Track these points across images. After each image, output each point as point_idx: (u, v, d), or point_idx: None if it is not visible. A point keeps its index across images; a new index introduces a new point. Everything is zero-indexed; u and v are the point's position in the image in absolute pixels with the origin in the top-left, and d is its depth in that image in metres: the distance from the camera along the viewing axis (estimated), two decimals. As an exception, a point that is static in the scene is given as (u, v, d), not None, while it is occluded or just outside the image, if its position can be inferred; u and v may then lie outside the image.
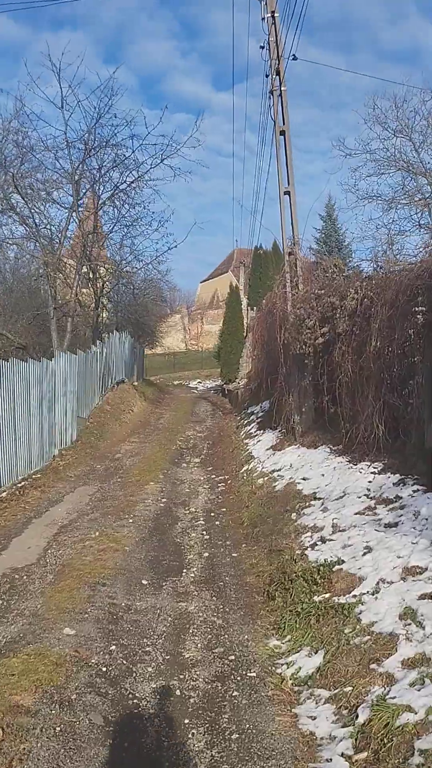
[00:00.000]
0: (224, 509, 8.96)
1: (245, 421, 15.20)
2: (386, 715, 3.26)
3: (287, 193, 10.94)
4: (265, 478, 9.09)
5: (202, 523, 8.31)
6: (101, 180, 17.08)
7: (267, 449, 11.03)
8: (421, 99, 20.54)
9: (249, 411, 15.94)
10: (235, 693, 4.04)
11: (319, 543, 5.86)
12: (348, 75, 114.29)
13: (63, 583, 5.74)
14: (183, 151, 16.71)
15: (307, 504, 7.15)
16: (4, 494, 9.33)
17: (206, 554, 6.95)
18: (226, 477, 11.13)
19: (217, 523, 8.28)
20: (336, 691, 3.78)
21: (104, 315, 23.65)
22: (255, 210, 60.10)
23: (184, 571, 6.40)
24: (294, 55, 11.10)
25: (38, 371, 11.68)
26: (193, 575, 6.27)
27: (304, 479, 8.03)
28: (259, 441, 11.98)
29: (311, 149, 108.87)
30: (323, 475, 7.80)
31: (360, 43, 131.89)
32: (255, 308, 22.87)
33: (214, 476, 11.51)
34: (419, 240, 21.82)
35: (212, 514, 8.72)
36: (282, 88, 10.96)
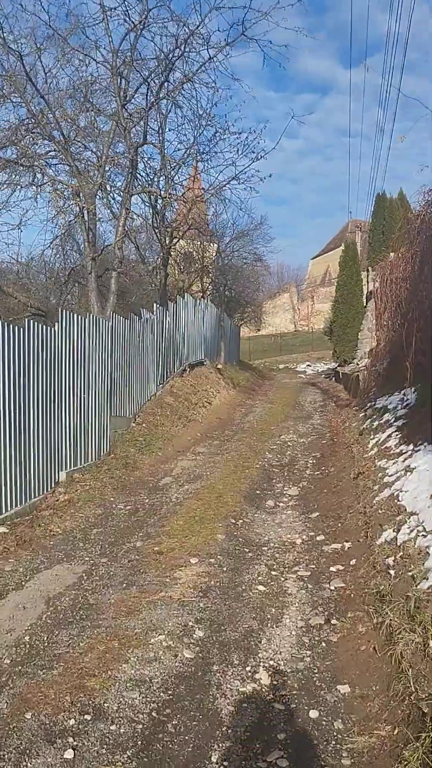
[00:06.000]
0: (348, 691, 3.34)
1: (374, 423, 9.29)
2: None
3: None
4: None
5: None
6: (158, 70, 11.57)
7: (434, 493, 5.21)
8: None
9: (378, 405, 9.98)
10: None
11: None
12: None
13: None
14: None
15: None
16: None
17: None
18: (347, 546, 5.51)
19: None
20: None
21: (179, 277, 18.45)
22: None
23: None
24: None
25: (7, 346, 6.56)
26: None
27: None
28: (410, 468, 6.13)
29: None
30: None
31: None
32: (377, 268, 16.51)
33: (321, 538, 5.93)
34: None
35: (315, 720, 3.14)
36: None
